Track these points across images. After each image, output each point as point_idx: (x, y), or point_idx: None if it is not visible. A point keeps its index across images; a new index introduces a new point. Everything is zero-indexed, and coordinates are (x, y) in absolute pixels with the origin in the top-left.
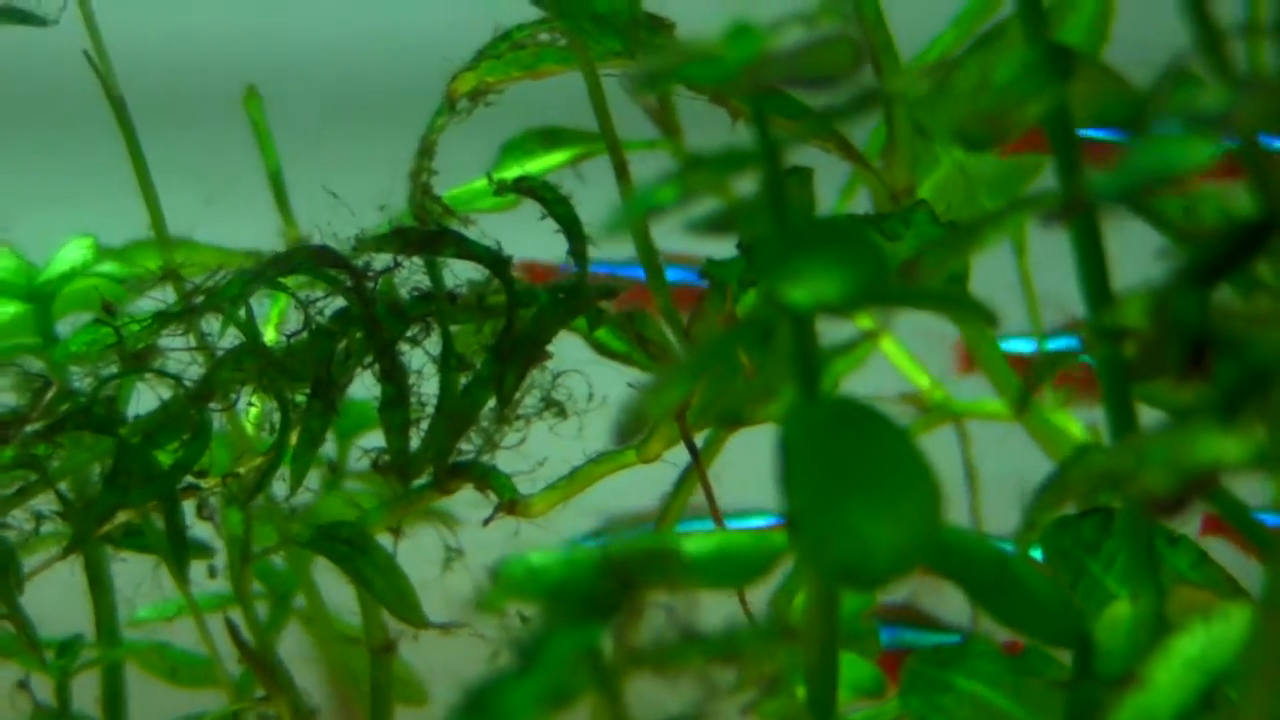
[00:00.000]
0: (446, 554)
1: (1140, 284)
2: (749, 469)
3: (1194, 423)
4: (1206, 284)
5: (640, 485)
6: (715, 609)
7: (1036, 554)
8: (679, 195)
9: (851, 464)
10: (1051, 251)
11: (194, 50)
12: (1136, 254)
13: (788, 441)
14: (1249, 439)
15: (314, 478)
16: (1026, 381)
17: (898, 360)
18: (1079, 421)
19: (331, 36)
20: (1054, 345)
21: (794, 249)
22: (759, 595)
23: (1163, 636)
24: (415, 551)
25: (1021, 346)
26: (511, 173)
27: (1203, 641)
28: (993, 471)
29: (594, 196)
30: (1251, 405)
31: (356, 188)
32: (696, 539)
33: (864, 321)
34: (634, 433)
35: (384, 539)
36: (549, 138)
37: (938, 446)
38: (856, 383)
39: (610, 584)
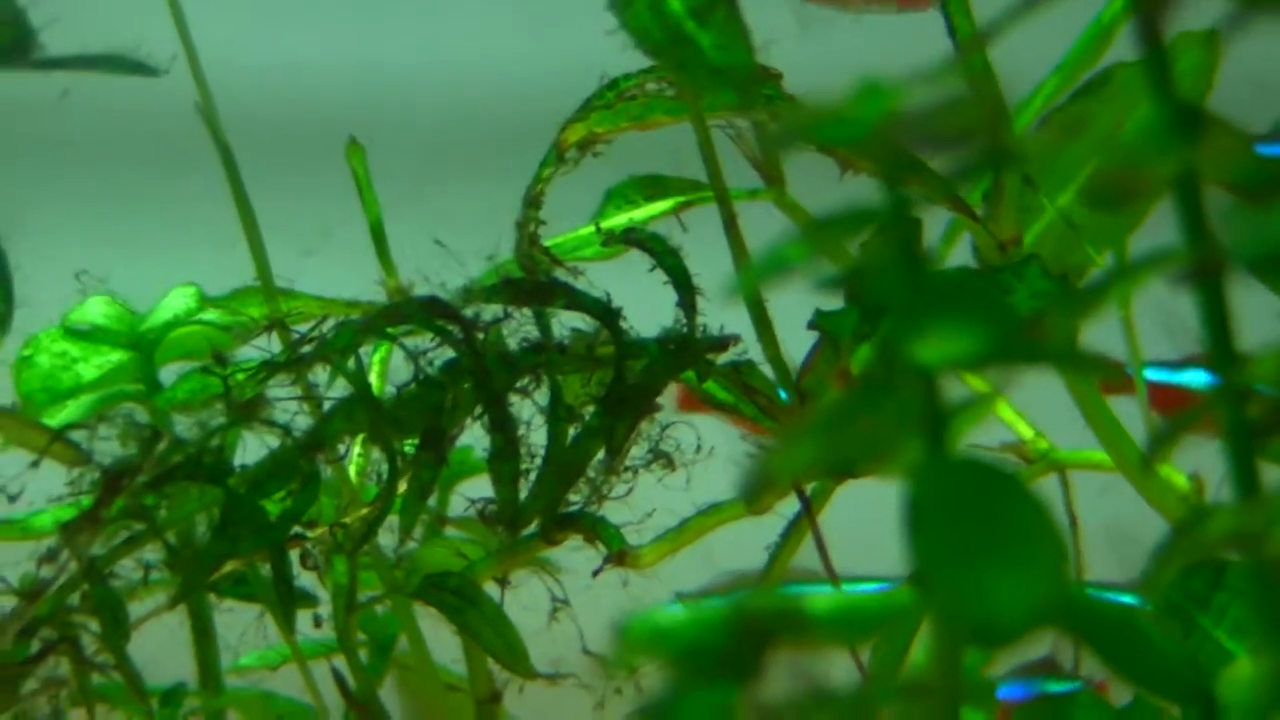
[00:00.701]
0: (553, 604)
1: (1267, 344)
2: (847, 522)
3: None
4: None
5: (744, 534)
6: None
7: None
8: (808, 255)
9: (980, 522)
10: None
11: (294, 93)
12: (1258, 310)
13: (915, 500)
14: None
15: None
16: (1153, 443)
17: (1001, 410)
18: (1182, 472)
19: (433, 79)
20: (1178, 378)
21: (924, 308)
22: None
23: None
24: (516, 599)
25: (1162, 376)
26: (615, 220)
27: None
28: (1090, 520)
29: (696, 245)
30: None
31: (457, 234)
32: (820, 596)
33: (974, 380)
34: (761, 494)
35: (490, 588)
36: (653, 186)
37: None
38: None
39: (743, 643)
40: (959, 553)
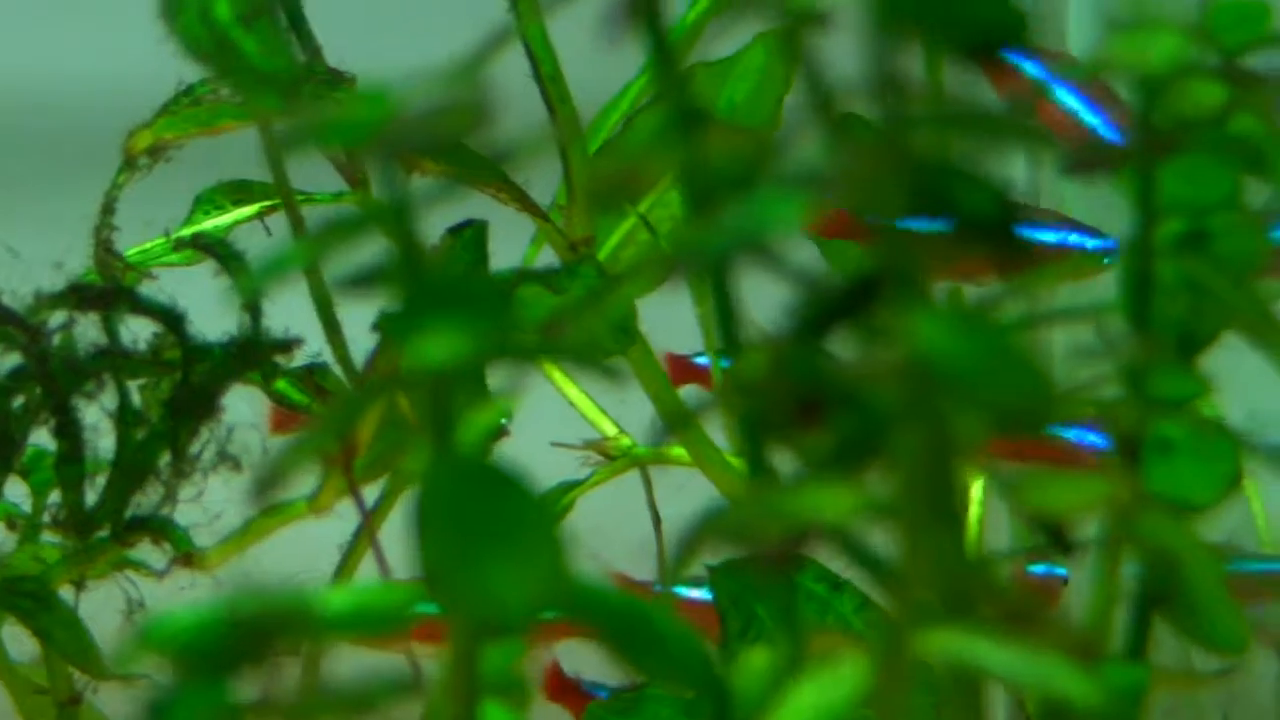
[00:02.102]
0: (128, 606)
1: (759, 335)
2: None
3: (808, 476)
4: (815, 337)
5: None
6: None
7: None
8: (306, 260)
9: (481, 519)
10: None
11: None
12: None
13: (422, 497)
14: (856, 493)
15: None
16: (661, 429)
17: (584, 408)
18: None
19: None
20: None
21: (424, 307)
22: None
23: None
24: (107, 602)
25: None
26: (202, 226)
27: (818, 689)
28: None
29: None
30: (861, 459)
31: (46, 245)
32: (335, 593)
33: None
34: (270, 487)
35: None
36: (241, 191)
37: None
38: (544, 431)
39: (241, 640)
40: (460, 547)
